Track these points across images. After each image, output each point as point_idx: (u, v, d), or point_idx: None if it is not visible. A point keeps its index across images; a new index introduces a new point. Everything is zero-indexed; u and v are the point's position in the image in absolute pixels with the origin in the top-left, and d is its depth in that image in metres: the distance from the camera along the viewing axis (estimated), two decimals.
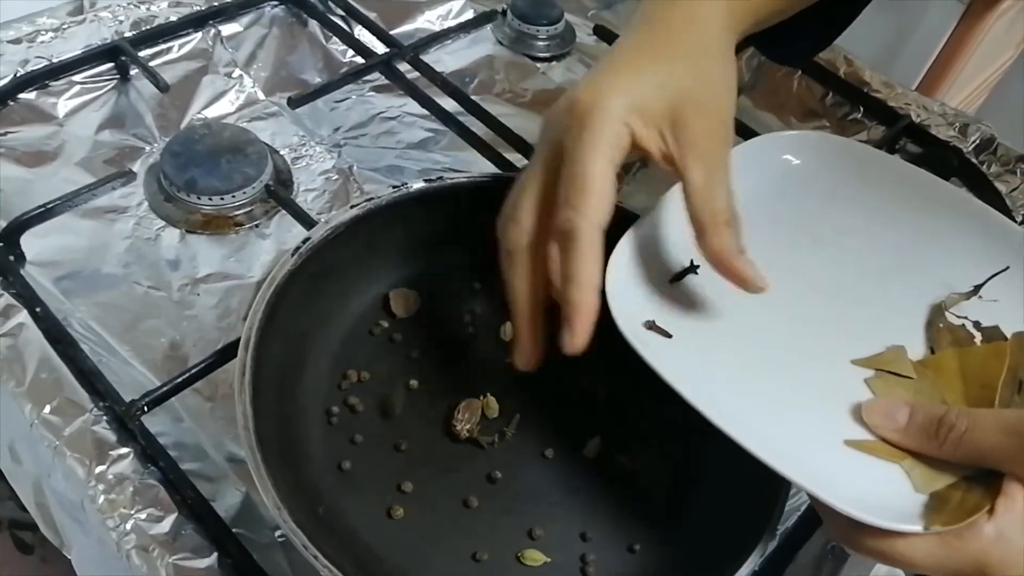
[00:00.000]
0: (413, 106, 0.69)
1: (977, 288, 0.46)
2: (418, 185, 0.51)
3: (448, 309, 0.52)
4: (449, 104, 0.68)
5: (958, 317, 0.45)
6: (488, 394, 0.48)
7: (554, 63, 0.78)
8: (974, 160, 0.70)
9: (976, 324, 0.44)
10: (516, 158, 0.64)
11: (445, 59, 0.75)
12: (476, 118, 0.67)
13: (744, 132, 0.70)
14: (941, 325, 0.44)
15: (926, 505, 0.35)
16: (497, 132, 0.66)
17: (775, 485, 0.43)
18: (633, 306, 0.42)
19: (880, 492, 0.36)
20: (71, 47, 0.63)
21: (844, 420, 0.40)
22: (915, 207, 0.50)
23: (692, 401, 0.38)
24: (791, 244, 0.48)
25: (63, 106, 0.62)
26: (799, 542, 0.48)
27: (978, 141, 0.72)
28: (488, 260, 0.54)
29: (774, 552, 0.47)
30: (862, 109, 0.75)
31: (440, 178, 0.51)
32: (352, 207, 0.49)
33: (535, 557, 0.43)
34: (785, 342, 0.43)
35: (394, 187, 0.50)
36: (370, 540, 0.42)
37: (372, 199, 0.49)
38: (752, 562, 0.40)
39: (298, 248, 0.46)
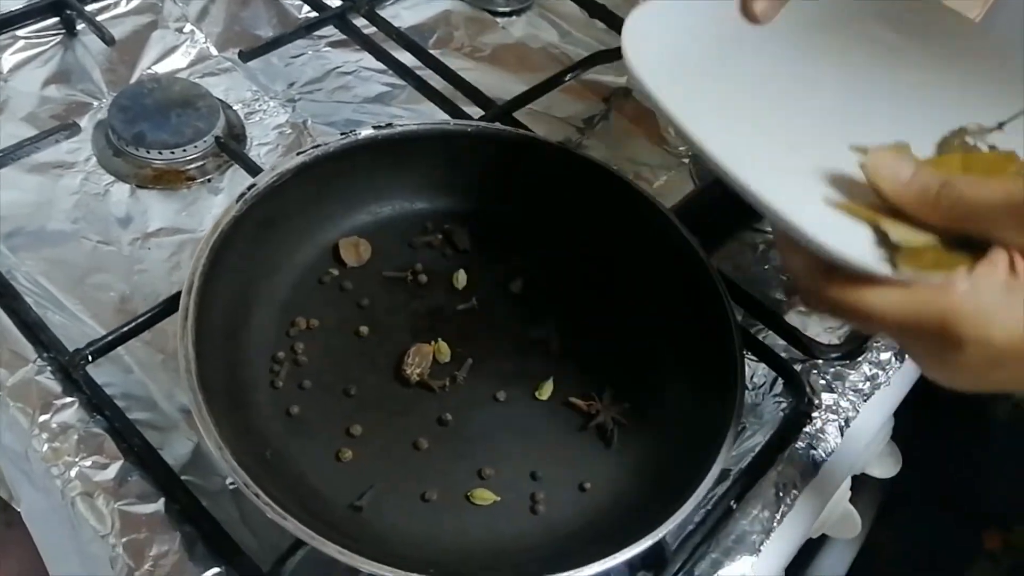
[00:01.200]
0: (370, 61, 0.68)
1: (1001, 124, 0.43)
2: (367, 132, 0.50)
3: (399, 257, 0.51)
4: (407, 59, 0.67)
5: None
6: (439, 339, 0.48)
7: (514, 17, 0.77)
8: None
9: (992, 148, 0.41)
10: (475, 111, 0.64)
11: (403, 14, 0.74)
12: (434, 72, 0.66)
13: None
14: (956, 142, 0.42)
15: (901, 255, 0.33)
16: (456, 86, 0.65)
17: (722, 425, 0.43)
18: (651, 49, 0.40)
19: (857, 244, 0.33)
20: (14, 1, 0.61)
21: (836, 184, 0.37)
22: (941, 51, 0.47)
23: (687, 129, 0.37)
24: (821, 51, 0.46)
25: (7, 61, 0.60)
26: (750, 483, 0.48)
27: None
28: (439, 208, 0.54)
29: (724, 493, 0.47)
30: None
31: (389, 125, 0.51)
32: (299, 154, 0.48)
33: (484, 496, 0.43)
34: (795, 112, 0.41)
35: (343, 134, 0.50)
36: (317, 483, 0.42)
37: (319, 146, 0.49)
38: (695, 499, 0.40)
39: (243, 195, 0.46)
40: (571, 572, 0.38)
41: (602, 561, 0.38)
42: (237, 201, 0.45)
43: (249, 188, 0.46)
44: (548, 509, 0.44)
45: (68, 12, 0.62)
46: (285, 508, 0.37)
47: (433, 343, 0.48)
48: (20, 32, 0.61)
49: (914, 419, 0.62)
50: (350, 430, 0.44)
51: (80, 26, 0.62)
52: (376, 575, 0.36)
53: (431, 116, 0.65)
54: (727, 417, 0.43)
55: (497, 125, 0.54)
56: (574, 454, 0.46)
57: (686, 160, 0.68)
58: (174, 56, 0.66)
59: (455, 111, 0.63)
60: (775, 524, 0.47)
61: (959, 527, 0.64)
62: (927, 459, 0.65)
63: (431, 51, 0.68)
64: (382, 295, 0.50)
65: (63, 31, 0.63)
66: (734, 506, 0.47)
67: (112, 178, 0.58)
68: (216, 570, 0.41)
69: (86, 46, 0.63)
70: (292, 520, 0.36)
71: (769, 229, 0.64)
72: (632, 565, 0.45)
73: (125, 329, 0.47)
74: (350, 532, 0.40)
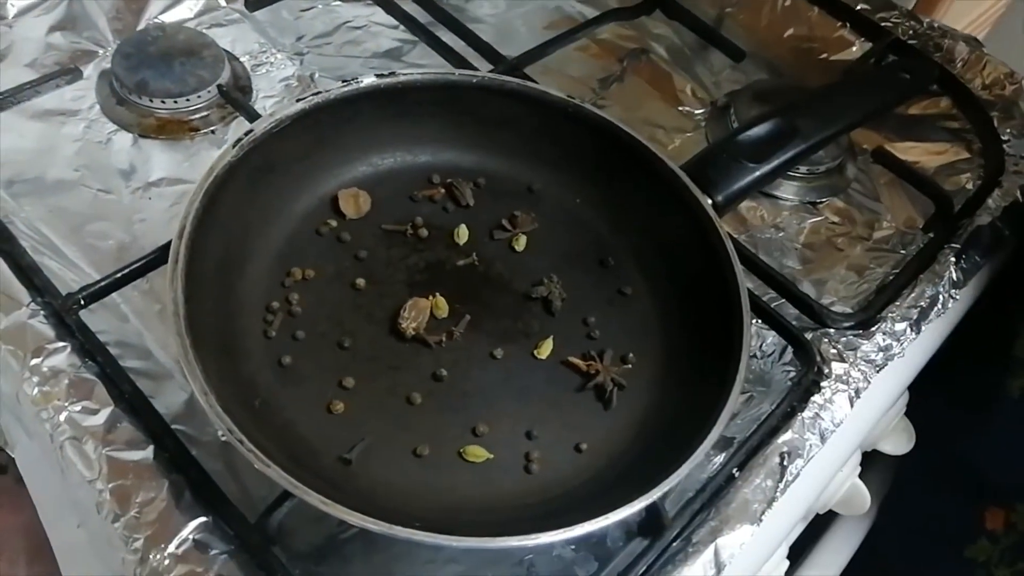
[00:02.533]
0: (381, 16, 0.67)
1: None
2: (369, 80, 0.49)
3: (399, 210, 0.50)
4: (419, 14, 0.65)
5: None
6: (437, 294, 0.47)
7: None
8: (960, 76, 0.68)
9: None
10: (485, 66, 0.62)
11: None
12: (446, 28, 0.65)
13: (732, 51, 0.67)
14: None
15: None
16: (467, 41, 0.64)
17: (723, 390, 0.42)
18: None
19: None
20: None
21: None
22: None
23: None
24: None
25: (12, 6, 0.60)
26: (753, 451, 0.46)
27: (967, 58, 0.69)
28: (443, 161, 0.53)
29: (728, 460, 0.46)
30: (848, 25, 0.72)
31: (392, 73, 0.49)
32: (298, 100, 0.47)
33: (477, 453, 0.42)
34: None
35: (344, 82, 0.48)
36: (307, 433, 0.41)
37: (319, 93, 0.47)
38: (691, 463, 0.39)
39: (239, 140, 0.45)
40: (561, 530, 0.37)
41: (593, 521, 0.37)
42: (233, 147, 0.44)
43: (246, 133, 0.45)
44: (542, 468, 0.42)
45: None
46: (271, 457, 0.36)
47: (431, 298, 0.46)
48: None
49: (924, 394, 0.60)
50: (343, 382, 0.43)
51: None
52: (361, 527, 0.35)
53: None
54: (728, 383, 0.41)
55: (503, 77, 0.52)
56: (571, 414, 0.44)
57: (702, 122, 0.66)
58: (181, 6, 0.65)
59: (465, 66, 0.62)
60: (777, 494, 0.46)
61: (960, 505, 0.63)
62: (932, 434, 0.63)
63: (443, 6, 0.67)
64: (380, 248, 0.49)
65: None
66: (736, 474, 0.46)
67: (115, 127, 0.57)
68: (202, 519, 0.40)
69: None
70: (275, 468, 0.35)
71: (784, 196, 0.62)
72: (629, 531, 0.44)
73: (119, 275, 0.46)
74: (338, 484, 0.39)
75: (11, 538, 0.93)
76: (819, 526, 0.68)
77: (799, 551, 0.66)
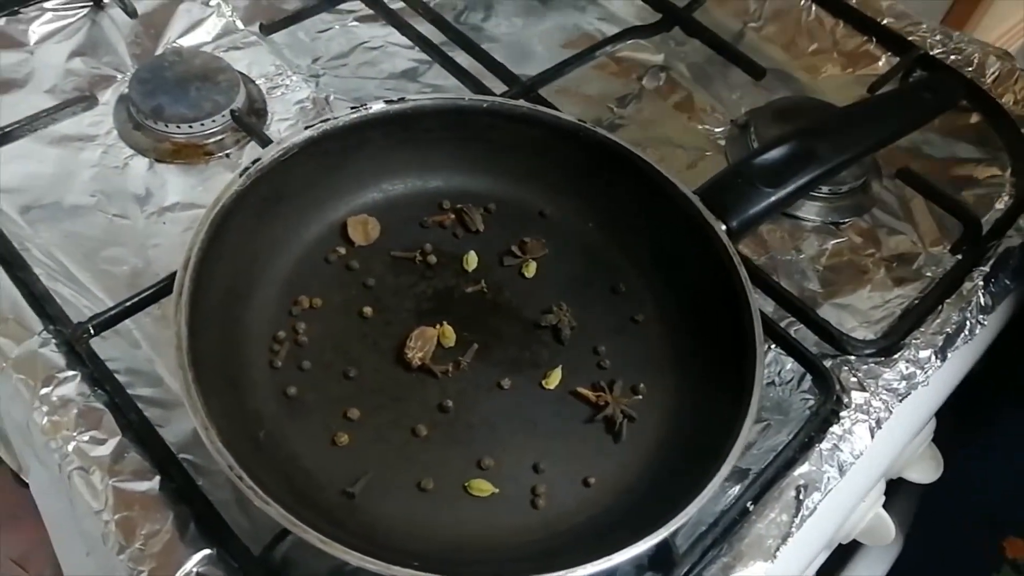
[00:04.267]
0: (397, 36, 0.67)
1: None
2: (378, 106, 0.48)
3: (409, 237, 0.50)
4: (434, 35, 0.65)
5: None
6: (445, 323, 0.46)
7: None
8: (991, 91, 0.66)
9: None
10: (500, 87, 0.62)
11: None
12: (461, 48, 0.65)
13: (751, 69, 0.66)
14: None
15: None
16: (482, 62, 0.63)
17: (735, 422, 0.41)
18: None
19: None
20: None
21: None
22: None
23: None
24: None
25: (34, 33, 0.60)
26: (769, 483, 0.45)
27: (997, 73, 0.67)
28: (453, 186, 0.52)
29: (742, 493, 0.44)
30: (874, 40, 0.70)
31: (402, 99, 0.49)
32: (306, 128, 0.47)
33: (482, 487, 0.41)
34: None
35: (353, 108, 0.48)
36: (310, 467, 0.41)
37: (328, 120, 0.47)
38: (702, 499, 0.38)
39: (246, 169, 0.45)
40: (564, 572, 0.36)
41: (599, 560, 0.36)
42: (240, 175, 0.44)
43: (253, 162, 0.45)
44: (549, 503, 0.42)
45: None
46: (271, 493, 0.36)
47: (439, 326, 0.46)
48: (47, 4, 0.61)
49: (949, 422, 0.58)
50: (347, 414, 0.43)
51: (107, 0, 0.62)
52: (359, 566, 0.35)
53: (457, 93, 0.63)
54: (741, 415, 0.40)
55: (513, 101, 0.51)
56: (579, 447, 0.44)
57: (721, 142, 0.65)
58: (199, 30, 0.65)
59: (479, 87, 0.61)
60: (793, 529, 0.44)
61: (981, 533, 0.61)
62: (953, 462, 0.61)
63: (460, 27, 0.66)
64: (389, 275, 0.48)
65: (91, 4, 0.62)
66: (750, 507, 0.44)
67: (132, 152, 0.57)
68: (207, 552, 0.40)
69: (113, 19, 0.63)
70: (275, 505, 0.35)
71: (806, 217, 0.61)
72: (639, 566, 0.43)
73: (128, 304, 0.46)
74: (340, 519, 0.39)
75: (37, 550, 0.95)
76: (845, 553, 0.66)
77: None
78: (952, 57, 0.68)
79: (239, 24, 0.66)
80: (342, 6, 0.67)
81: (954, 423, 0.59)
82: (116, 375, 0.45)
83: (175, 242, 0.54)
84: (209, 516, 0.41)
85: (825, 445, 0.47)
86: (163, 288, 0.47)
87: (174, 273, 0.47)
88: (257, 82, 0.63)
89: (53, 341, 0.45)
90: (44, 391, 0.43)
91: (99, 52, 0.62)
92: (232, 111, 0.57)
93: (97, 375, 0.44)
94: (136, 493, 0.41)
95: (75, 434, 0.42)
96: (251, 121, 0.57)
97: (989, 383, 0.58)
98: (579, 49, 0.66)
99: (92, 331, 0.45)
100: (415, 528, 0.40)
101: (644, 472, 0.43)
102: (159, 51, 0.63)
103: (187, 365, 0.38)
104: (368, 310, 0.47)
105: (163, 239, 0.54)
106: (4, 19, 0.60)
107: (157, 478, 0.42)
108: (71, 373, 0.44)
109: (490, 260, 0.50)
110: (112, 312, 0.46)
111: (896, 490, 0.63)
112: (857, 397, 0.49)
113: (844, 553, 0.65)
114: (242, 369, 0.43)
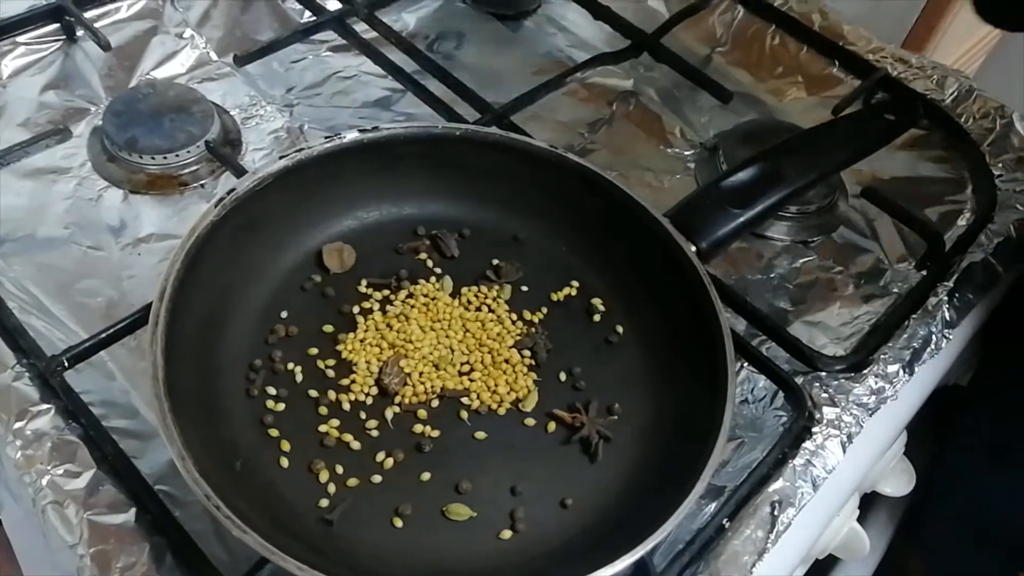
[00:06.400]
0: (370, 66, 0.67)
1: None
2: (352, 135, 0.49)
3: (384, 263, 0.50)
4: (407, 64, 0.66)
5: None
6: None
7: (520, 21, 0.76)
8: (950, 111, 0.68)
9: None
10: (473, 115, 0.63)
11: (405, 18, 0.73)
12: (434, 77, 0.66)
13: (719, 93, 0.67)
14: None
15: None
16: (455, 90, 0.64)
17: (708, 440, 0.41)
18: None
19: None
20: (15, 7, 0.62)
21: None
22: None
23: None
24: None
25: (6, 67, 0.61)
26: (744, 500, 0.46)
27: (956, 93, 0.69)
28: (428, 213, 0.53)
29: (718, 511, 0.45)
30: (836, 63, 0.72)
31: (376, 128, 0.50)
32: (281, 157, 0.47)
33: (460, 511, 0.42)
34: None
35: (327, 138, 0.49)
36: (288, 495, 0.41)
37: (302, 149, 0.48)
38: (676, 518, 0.38)
39: (221, 199, 0.45)
40: None
41: None
42: (216, 206, 0.45)
43: (229, 192, 0.45)
44: (527, 526, 0.42)
45: (68, 18, 0.62)
46: (248, 521, 0.36)
47: None
48: (20, 38, 0.61)
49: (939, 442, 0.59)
50: (324, 441, 0.43)
51: (80, 32, 0.62)
52: None
53: (431, 121, 0.64)
54: (714, 431, 0.41)
55: (487, 128, 0.52)
56: (556, 469, 0.44)
57: (691, 164, 0.66)
58: (173, 62, 0.65)
59: (452, 115, 0.62)
60: (769, 545, 0.45)
61: (996, 563, 0.61)
62: (963, 487, 0.62)
63: (433, 55, 0.67)
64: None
65: (63, 37, 0.63)
66: (726, 524, 0.45)
67: (106, 184, 0.58)
68: None
69: (86, 52, 0.63)
70: (252, 534, 0.35)
71: (775, 236, 0.62)
72: None
73: (103, 335, 0.46)
74: (318, 546, 0.39)
75: None
76: (822, 569, 0.67)
77: None
78: (913, 79, 0.70)
79: (213, 56, 0.67)
80: (315, 36, 0.68)
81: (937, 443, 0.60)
82: (91, 407, 0.45)
83: (150, 273, 0.54)
84: (186, 547, 0.40)
85: (798, 461, 0.48)
86: (138, 319, 0.47)
87: (149, 304, 0.47)
88: (231, 113, 0.63)
89: (27, 374, 0.45)
90: (18, 425, 0.43)
91: (72, 85, 0.62)
92: (207, 142, 0.57)
93: (71, 408, 0.44)
94: (111, 526, 0.41)
95: (49, 468, 0.42)
96: (226, 151, 0.58)
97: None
98: (550, 76, 0.67)
99: (66, 364, 0.45)
100: (394, 554, 0.40)
101: (621, 492, 0.43)
102: (133, 83, 0.64)
103: (163, 395, 0.38)
104: (343, 337, 0.47)
105: (138, 270, 0.54)
106: None
107: (133, 510, 0.41)
108: (45, 407, 0.44)
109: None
110: (86, 344, 0.46)
111: (871, 504, 0.64)
112: (828, 413, 0.50)
113: (821, 568, 0.66)
114: (218, 398, 0.43)
